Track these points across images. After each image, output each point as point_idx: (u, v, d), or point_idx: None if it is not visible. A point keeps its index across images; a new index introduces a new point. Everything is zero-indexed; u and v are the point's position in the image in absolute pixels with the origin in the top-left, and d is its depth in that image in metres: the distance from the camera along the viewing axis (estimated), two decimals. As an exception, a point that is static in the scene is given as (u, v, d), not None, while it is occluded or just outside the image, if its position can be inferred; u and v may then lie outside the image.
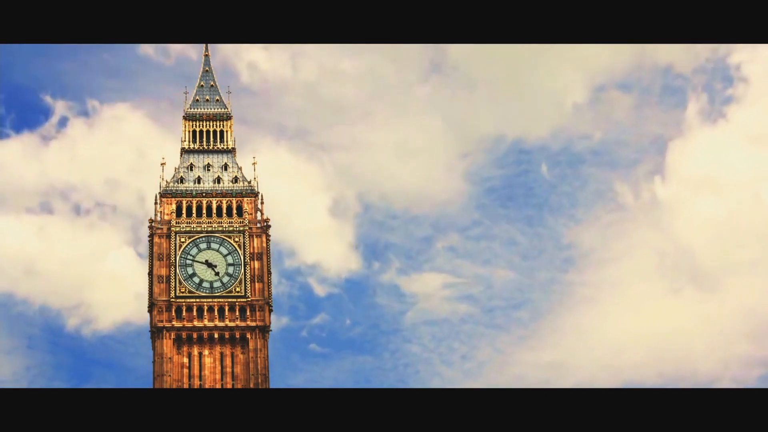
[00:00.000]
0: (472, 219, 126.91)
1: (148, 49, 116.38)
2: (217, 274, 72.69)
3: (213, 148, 79.07)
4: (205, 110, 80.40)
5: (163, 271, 72.56)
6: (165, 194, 75.49)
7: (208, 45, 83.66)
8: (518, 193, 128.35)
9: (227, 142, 79.39)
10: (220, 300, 72.15)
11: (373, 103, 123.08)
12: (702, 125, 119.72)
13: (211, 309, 71.94)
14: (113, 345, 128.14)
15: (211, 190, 76.03)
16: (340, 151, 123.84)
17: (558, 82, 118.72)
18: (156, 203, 75.16)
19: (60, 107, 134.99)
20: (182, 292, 72.10)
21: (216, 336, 71.37)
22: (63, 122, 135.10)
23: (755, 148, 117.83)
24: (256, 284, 72.68)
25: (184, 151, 78.92)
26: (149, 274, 73.23)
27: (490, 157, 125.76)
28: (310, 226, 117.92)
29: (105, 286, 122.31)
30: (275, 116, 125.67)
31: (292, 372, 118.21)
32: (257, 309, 72.19)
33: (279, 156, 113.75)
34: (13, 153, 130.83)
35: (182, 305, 71.90)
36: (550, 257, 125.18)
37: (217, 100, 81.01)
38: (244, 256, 73.18)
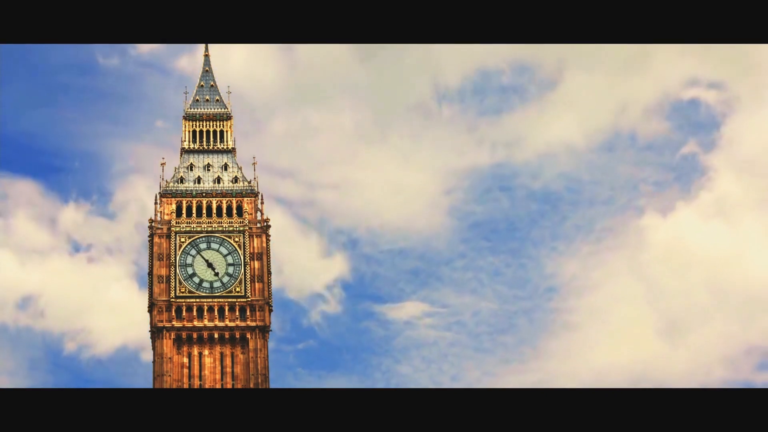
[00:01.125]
0: (457, 252, 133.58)
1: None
2: (216, 274, 72.69)
3: (213, 148, 79.07)
4: (205, 110, 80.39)
5: (163, 271, 72.55)
6: (165, 194, 75.49)
7: (208, 45, 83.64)
8: (500, 227, 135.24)
9: (227, 142, 79.39)
10: (220, 300, 72.15)
11: (360, 145, 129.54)
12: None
13: (211, 309, 71.95)
14: (112, 367, 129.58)
15: (211, 190, 76.03)
16: (330, 190, 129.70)
17: (544, 129, 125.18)
18: (156, 203, 75.16)
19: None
20: (182, 292, 72.10)
21: (216, 336, 71.37)
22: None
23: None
24: (256, 284, 72.68)
25: (184, 151, 78.93)
26: (149, 274, 73.22)
27: (473, 194, 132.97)
28: (301, 259, 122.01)
29: (105, 314, 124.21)
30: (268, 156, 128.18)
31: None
32: (257, 309, 72.19)
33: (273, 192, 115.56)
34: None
35: (182, 305, 71.90)
36: (533, 286, 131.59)
37: (217, 100, 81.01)
38: (244, 256, 73.18)
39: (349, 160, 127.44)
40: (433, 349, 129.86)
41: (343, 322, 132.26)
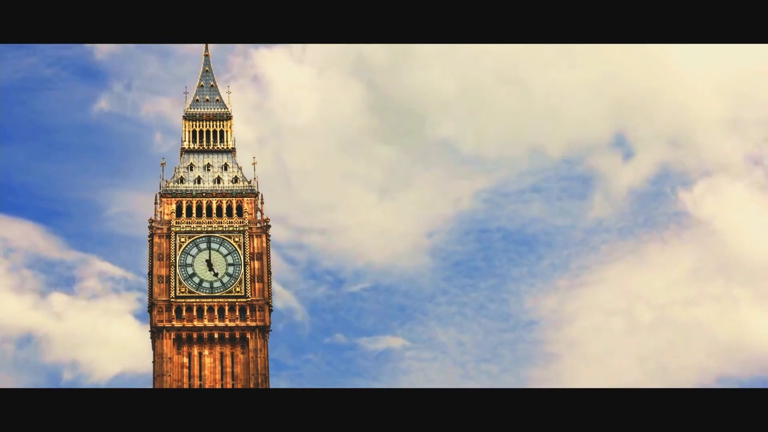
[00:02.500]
0: (440, 288, 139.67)
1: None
2: (216, 275, 72.68)
3: (213, 148, 79.04)
4: (205, 110, 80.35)
5: (163, 271, 72.51)
6: (165, 194, 75.44)
7: (208, 45, 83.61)
8: (481, 266, 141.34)
9: (227, 142, 79.36)
10: (220, 300, 72.13)
11: (346, 192, 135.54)
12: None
13: (211, 309, 71.92)
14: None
15: (211, 190, 76.00)
16: (318, 234, 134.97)
17: (515, 166, 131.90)
18: (156, 203, 75.13)
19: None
20: (182, 292, 72.07)
21: (216, 336, 71.35)
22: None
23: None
24: (256, 284, 72.65)
25: (184, 151, 78.89)
26: (149, 274, 73.20)
27: (454, 236, 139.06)
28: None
29: (104, 347, 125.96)
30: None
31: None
32: (257, 309, 72.15)
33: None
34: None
35: (182, 305, 71.86)
36: (515, 319, 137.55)
37: (217, 100, 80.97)
38: (244, 256, 73.15)
39: (335, 204, 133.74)
40: (419, 375, 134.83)
41: (329, 352, 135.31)
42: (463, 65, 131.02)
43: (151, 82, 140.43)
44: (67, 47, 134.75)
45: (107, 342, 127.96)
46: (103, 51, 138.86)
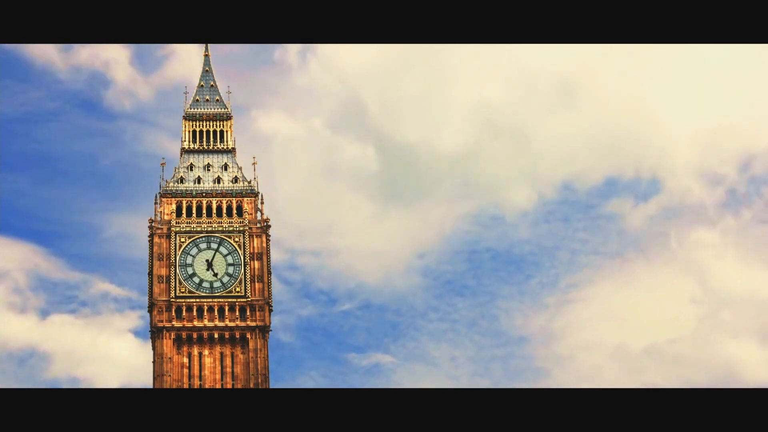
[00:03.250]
0: (432, 306, 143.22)
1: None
2: (215, 275, 72.68)
3: (213, 148, 79.05)
4: (205, 110, 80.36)
5: (163, 271, 72.53)
6: (165, 194, 75.45)
7: (209, 45, 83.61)
8: (471, 284, 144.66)
9: (227, 142, 79.36)
10: (220, 300, 72.14)
11: (339, 216, 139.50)
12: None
13: (211, 309, 71.93)
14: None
15: (211, 190, 76.01)
16: (312, 256, 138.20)
17: (505, 192, 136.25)
18: (156, 203, 75.14)
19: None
20: (182, 292, 72.09)
21: (216, 336, 71.36)
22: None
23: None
24: (256, 284, 72.65)
25: (184, 151, 78.90)
26: (149, 274, 73.21)
27: (445, 257, 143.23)
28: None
29: (103, 363, 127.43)
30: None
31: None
32: (257, 309, 72.17)
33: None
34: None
35: (182, 305, 71.88)
36: (506, 336, 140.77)
37: (217, 100, 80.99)
38: (244, 256, 73.16)
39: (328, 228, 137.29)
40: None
41: (321, 367, 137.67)
42: (459, 116, 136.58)
43: (150, 115, 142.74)
44: (72, 82, 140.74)
45: (107, 359, 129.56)
46: (104, 86, 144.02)
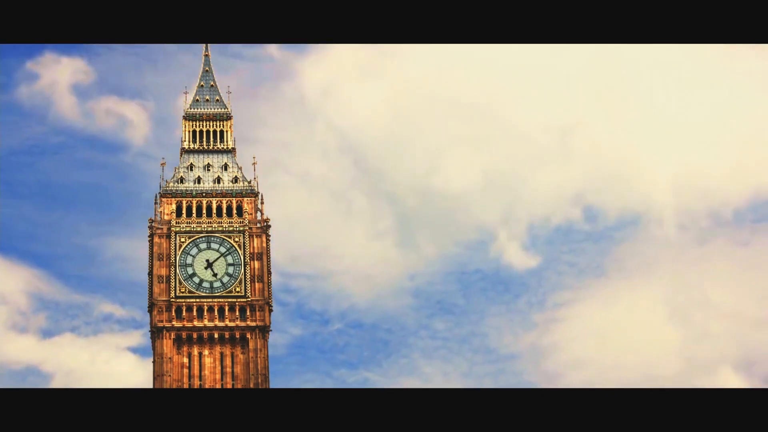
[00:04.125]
0: (423, 324, 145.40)
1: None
2: (215, 275, 72.68)
3: (213, 148, 79.05)
4: (205, 110, 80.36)
5: (163, 271, 72.52)
6: (165, 194, 75.45)
7: (209, 45, 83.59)
8: (461, 303, 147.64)
9: (227, 142, 79.36)
10: (220, 300, 72.13)
11: (332, 239, 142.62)
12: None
13: (211, 309, 71.93)
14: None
15: (211, 190, 76.01)
16: (305, 279, 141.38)
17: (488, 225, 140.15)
18: (156, 203, 75.14)
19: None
20: (182, 292, 72.08)
21: (216, 336, 71.36)
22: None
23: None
24: (256, 284, 72.65)
25: (184, 151, 78.90)
26: (149, 274, 73.20)
27: (436, 278, 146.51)
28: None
29: (102, 381, 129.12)
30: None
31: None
32: (257, 309, 72.16)
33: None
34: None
35: (182, 305, 71.87)
36: (496, 354, 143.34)
37: (217, 100, 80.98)
38: (244, 256, 73.16)
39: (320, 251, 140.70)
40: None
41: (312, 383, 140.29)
42: (453, 159, 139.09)
43: (149, 146, 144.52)
44: (74, 119, 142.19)
45: (106, 377, 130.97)
46: (105, 123, 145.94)
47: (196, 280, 72.43)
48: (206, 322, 71.50)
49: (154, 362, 71.26)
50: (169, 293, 71.89)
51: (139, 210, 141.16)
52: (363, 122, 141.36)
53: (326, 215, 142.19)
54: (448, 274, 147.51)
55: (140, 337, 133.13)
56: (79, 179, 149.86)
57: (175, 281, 72.14)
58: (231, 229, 74.07)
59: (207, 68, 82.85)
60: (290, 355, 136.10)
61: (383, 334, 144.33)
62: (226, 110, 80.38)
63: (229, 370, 71.16)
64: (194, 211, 75.05)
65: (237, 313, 72.02)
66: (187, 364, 71.21)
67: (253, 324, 71.62)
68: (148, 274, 73.24)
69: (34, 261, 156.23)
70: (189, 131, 79.71)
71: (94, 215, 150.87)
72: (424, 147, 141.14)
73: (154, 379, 70.67)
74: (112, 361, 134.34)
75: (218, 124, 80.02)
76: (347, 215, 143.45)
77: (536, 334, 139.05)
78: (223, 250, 73.39)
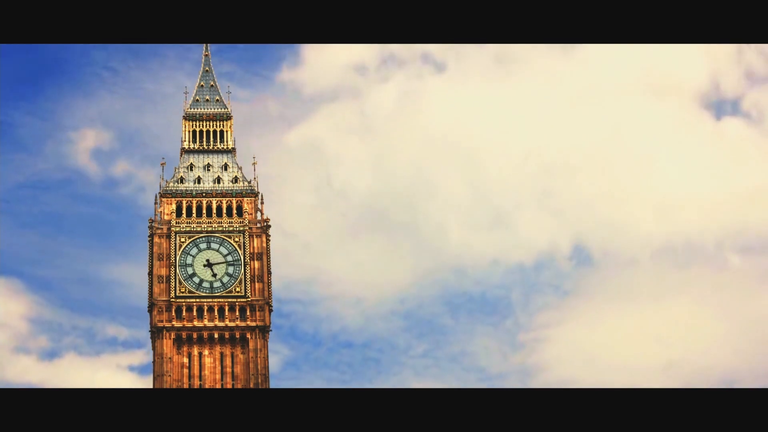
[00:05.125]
0: (413, 344, 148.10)
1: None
2: (214, 275, 72.68)
3: (213, 148, 79.06)
4: (205, 110, 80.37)
5: (163, 271, 72.51)
6: (165, 194, 75.45)
7: (208, 45, 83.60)
8: (449, 324, 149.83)
9: (227, 142, 79.37)
10: (220, 300, 72.13)
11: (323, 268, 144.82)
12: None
13: (211, 309, 71.92)
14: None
15: (211, 190, 76.01)
16: (298, 305, 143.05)
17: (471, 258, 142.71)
18: (156, 203, 75.16)
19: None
20: (182, 292, 72.08)
21: (216, 336, 71.36)
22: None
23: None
24: (256, 284, 72.65)
25: (184, 151, 78.90)
26: (149, 274, 73.21)
27: (424, 301, 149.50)
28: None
29: None
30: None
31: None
32: (257, 309, 72.16)
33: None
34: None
35: (182, 305, 71.87)
36: (487, 372, 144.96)
37: (217, 100, 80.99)
38: (244, 256, 73.17)
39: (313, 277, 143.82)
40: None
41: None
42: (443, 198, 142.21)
43: (152, 186, 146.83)
44: (68, 154, 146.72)
45: None
46: (103, 167, 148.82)
47: (196, 280, 72.44)
48: (206, 322, 71.50)
49: (153, 362, 71.26)
50: (169, 293, 71.90)
51: (139, 242, 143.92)
52: (355, 170, 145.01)
53: (318, 242, 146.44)
54: (436, 297, 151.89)
55: (142, 355, 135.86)
56: (80, 211, 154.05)
57: (175, 281, 72.16)
58: (231, 229, 74.07)
59: (207, 68, 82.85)
60: (283, 372, 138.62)
61: (374, 353, 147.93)
62: (226, 110, 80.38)
63: (229, 370, 71.16)
64: (194, 211, 75.06)
65: (237, 313, 72.02)
66: (187, 364, 71.22)
67: (253, 324, 71.62)
68: (148, 274, 73.25)
69: (36, 285, 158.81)
70: (189, 131, 79.71)
71: (94, 243, 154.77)
72: (413, 184, 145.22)
73: (154, 379, 70.68)
74: (111, 379, 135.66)
75: (218, 124, 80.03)
76: (339, 242, 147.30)
77: (524, 354, 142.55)
78: (224, 251, 73.39)
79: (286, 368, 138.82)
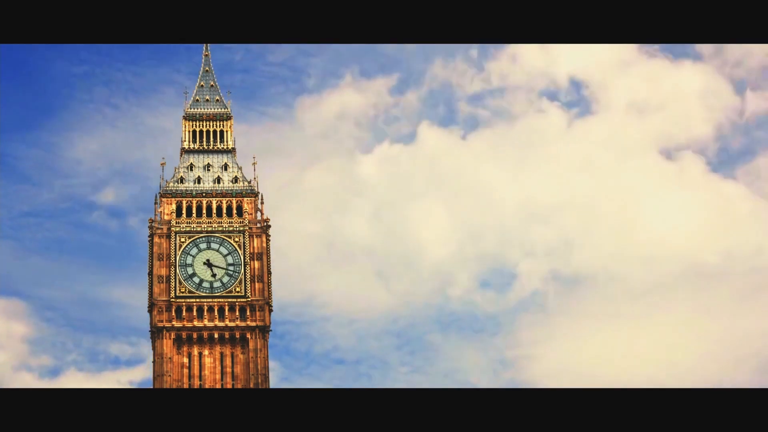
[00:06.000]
0: (406, 361, 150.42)
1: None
2: (214, 275, 72.68)
3: (213, 148, 79.07)
4: (205, 110, 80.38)
5: (163, 271, 72.54)
6: (165, 194, 75.47)
7: (208, 45, 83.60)
8: (438, 342, 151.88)
9: (227, 142, 79.38)
10: (220, 300, 72.15)
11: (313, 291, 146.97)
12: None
13: (211, 309, 71.93)
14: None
15: (211, 190, 76.03)
16: (291, 325, 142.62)
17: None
18: (156, 203, 75.17)
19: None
20: (182, 292, 72.10)
21: (216, 336, 71.37)
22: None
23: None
24: (256, 284, 72.67)
25: (184, 151, 78.91)
26: (149, 274, 73.23)
27: (414, 320, 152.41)
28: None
29: None
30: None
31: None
32: (257, 309, 72.17)
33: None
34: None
35: (182, 305, 71.88)
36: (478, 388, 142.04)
37: (217, 100, 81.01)
38: (244, 256, 73.17)
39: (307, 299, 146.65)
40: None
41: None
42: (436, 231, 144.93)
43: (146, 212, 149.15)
44: (71, 185, 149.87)
45: None
46: (104, 197, 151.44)
47: (196, 280, 72.46)
48: (206, 322, 71.52)
49: (154, 362, 71.28)
50: (169, 293, 71.91)
51: (140, 267, 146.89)
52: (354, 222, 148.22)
53: (311, 266, 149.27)
54: (426, 317, 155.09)
55: (143, 370, 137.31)
56: (82, 237, 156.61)
57: (175, 281, 72.17)
58: (231, 229, 74.09)
59: (207, 68, 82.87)
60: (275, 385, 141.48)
61: (366, 369, 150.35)
62: (226, 110, 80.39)
63: (229, 370, 71.18)
64: (194, 211, 75.08)
65: (237, 313, 72.04)
66: (187, 364, 71.23)
67: (253, 324, 71.64)
68: (148, 274, 73.27)
69: (38, 306, 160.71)
70: (189, 131, 79.73)
71: (95, 267, 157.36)
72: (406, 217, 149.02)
73: (154, 379, 70.69)
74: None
75: (218, 124, 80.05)
76: (333, 266, 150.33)
77: (513, 372, 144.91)
78: (224, 251, 73.43)
79: (279, 384, 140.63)
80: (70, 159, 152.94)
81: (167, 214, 74.48)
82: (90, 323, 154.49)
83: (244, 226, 74.10)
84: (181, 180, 76.46)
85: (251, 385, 69.89)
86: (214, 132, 79.77)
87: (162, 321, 71.29)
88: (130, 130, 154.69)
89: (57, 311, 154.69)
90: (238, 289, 72.40)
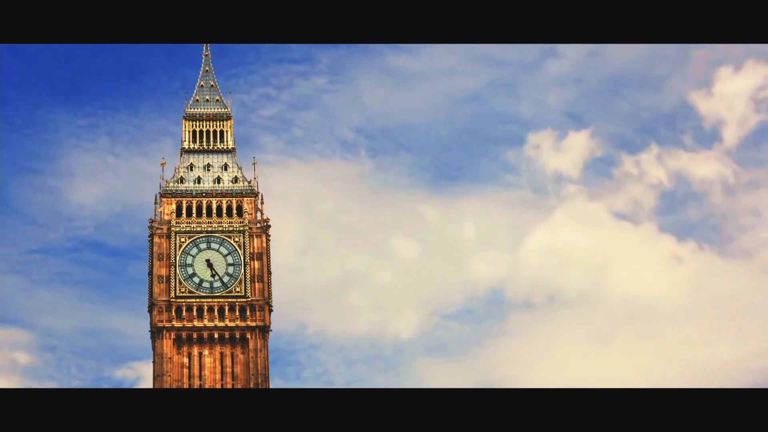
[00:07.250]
0: (392, 384, 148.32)
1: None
2: (213, 275, 72.69)
3: (213, 148, 79.08)
4: (205, 110, 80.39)
5: (163, 271, 72.55)
6: (165, 194, 75.48)
7: (208, 45, 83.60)
8: (423, 367, 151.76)
9: (227, 142, 79.39)
10: (220, 300, 72.16)
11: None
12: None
13: (211, 309, 71.95)
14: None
15: (211, 190, 76.04)
16: (281, 353, 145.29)
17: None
18: (156, 203, 75.19)
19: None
20: (182, 292, 72.11)
21: (216, 336, 71.39)
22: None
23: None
24: (256, 284, 72.68)
25: (184, 151, 78.93)
26: (149, 274, 73.24)
27: (401, 346, 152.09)
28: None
29: None
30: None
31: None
32: (257, 309, 72.19)
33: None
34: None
35: (182, 305, 71.90)
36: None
37: (217, 100, 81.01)
38: (244, 256, 73.18)
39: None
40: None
41: None
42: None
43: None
44: (73, 225, 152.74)
45: None
46: (107, 237, 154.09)
47: (196, 280, 72.47)
48: (206, 322, 71.53)
49: (154, 362, 71.30)
50: (169, 293, 71.93)
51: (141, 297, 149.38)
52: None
53: (306, 297, 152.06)
54: (409, 344, 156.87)
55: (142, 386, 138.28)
56: (86, 272, 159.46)
57: (175, 281, 72.19)
58: (231, 229, 74.09)
59: (207, 68, 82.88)
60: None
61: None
62: (226, 110, 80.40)
63: (229, 370, 71.19)
64: (194, 211, 75.10)
65: (237, 313, 72.06)
66: (187, 364, 71.24)
67: (253, 324, 71.65)
68: (148, 274, 73.29)
69: (41, 331, 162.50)
70: (189, 131, 79.74)
71: (98, 298, 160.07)
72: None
73: (154, 379, 70.70)
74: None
75: (218, 124, 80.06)
76: (327, 297, 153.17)
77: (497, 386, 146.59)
78: (224, 251, 73.47)
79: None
80: (72, 202, 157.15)
81: (167, 214, 74.48)
82: (92, 351, 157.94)
83: (244, 226, 74.11)
84: (181, 180, 76.47)
85: (251, 385, 69.90)
86: (214, 132, 79.78)
87: (162, 321, 71.30)
88: (131, 176, 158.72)
89: (63, 340, 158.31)
90: (238, 289, 72.42)
